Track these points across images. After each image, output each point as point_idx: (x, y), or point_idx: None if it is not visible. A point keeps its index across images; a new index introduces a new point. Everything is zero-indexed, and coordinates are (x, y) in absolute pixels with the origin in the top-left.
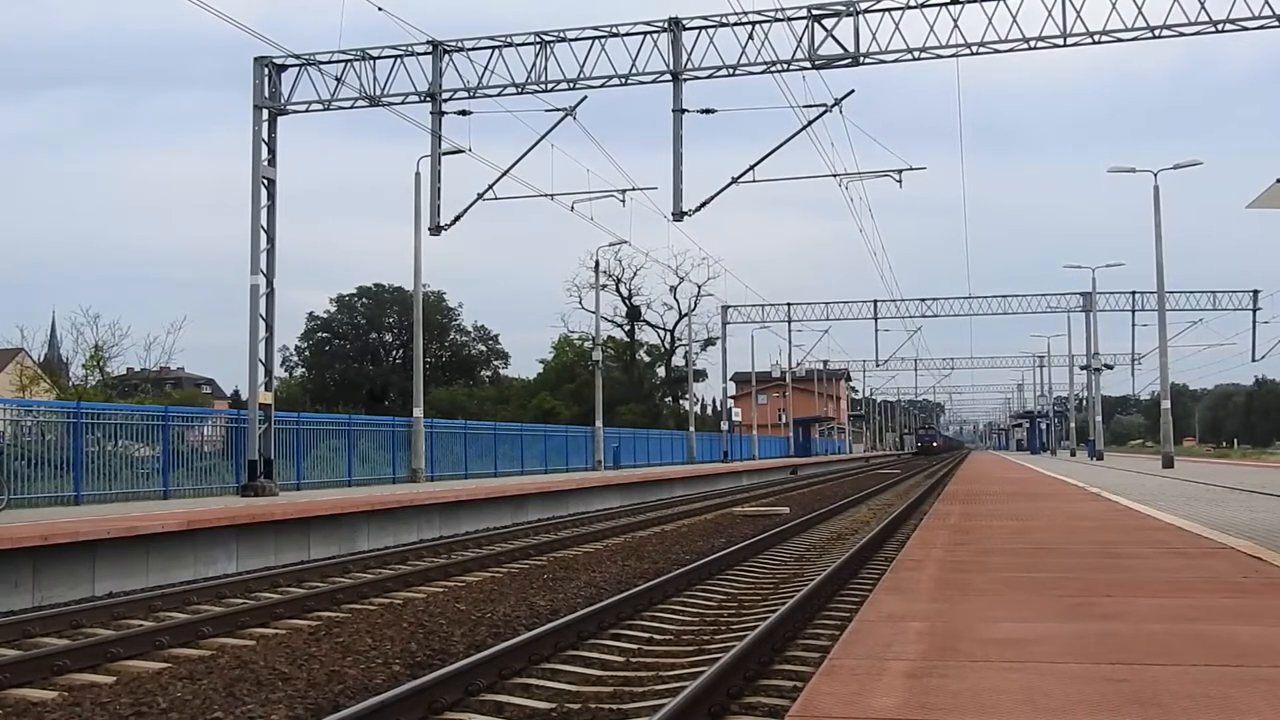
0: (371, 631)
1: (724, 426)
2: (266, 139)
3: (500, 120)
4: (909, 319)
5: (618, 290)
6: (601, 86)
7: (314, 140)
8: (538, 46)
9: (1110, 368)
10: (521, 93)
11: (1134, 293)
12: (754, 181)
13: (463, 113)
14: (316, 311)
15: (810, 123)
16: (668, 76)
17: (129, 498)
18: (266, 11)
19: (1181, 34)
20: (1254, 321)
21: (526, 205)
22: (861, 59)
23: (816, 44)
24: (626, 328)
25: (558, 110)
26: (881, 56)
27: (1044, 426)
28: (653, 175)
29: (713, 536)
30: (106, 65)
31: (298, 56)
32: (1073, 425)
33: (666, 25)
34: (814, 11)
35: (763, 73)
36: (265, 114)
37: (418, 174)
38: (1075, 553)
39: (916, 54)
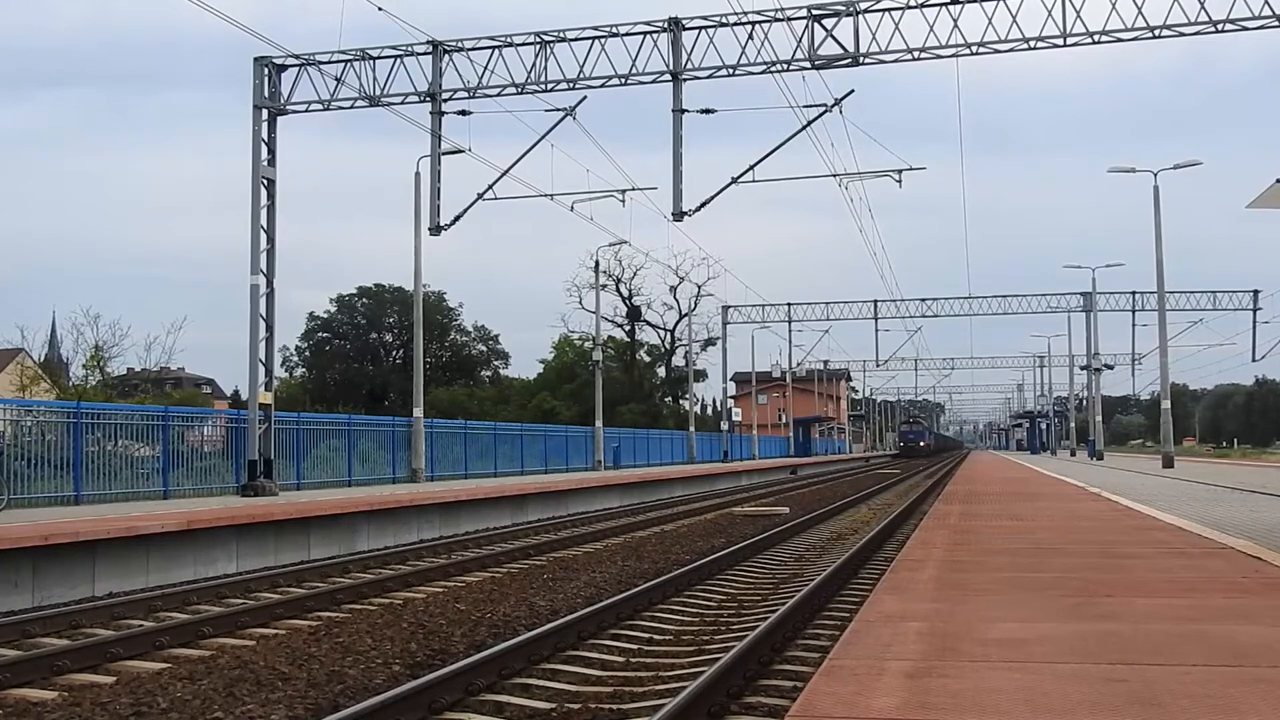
0: (371, 631)
1: (724, 426)
2: (266, 139)
3: (500, 120)
4: (909, 319)
5: (618, 290)
6: (601, 86)
7: (314, 140)
8: (538, 46)
9: (1110, 368)
10: (521, 93)
11: (1134, 293)
12: (754, 181)
13: (463, 113)
14: (316, 311)
15: (810, 123)
16: (668, 76)
17: (129, 498)
18: (266, 11)
19: (1181, 34)
20: (1254, 321)
21: (526, 205)
22: (861, 59)
23: (816, 44)
24: (626, 328)
25: (558, 110)
26: (881, 56)
27: (1044, 426)
28: (653, 175)
29: (713, 536)
30: (106, 65)
31: (297, 56)
32: (1073, 425)
33: (666, 25)
34: (814, 11)
35: (763, 73)
36: (265, 114)
37: (418, 174)
38: (1075, 553)
39: (916, 54)
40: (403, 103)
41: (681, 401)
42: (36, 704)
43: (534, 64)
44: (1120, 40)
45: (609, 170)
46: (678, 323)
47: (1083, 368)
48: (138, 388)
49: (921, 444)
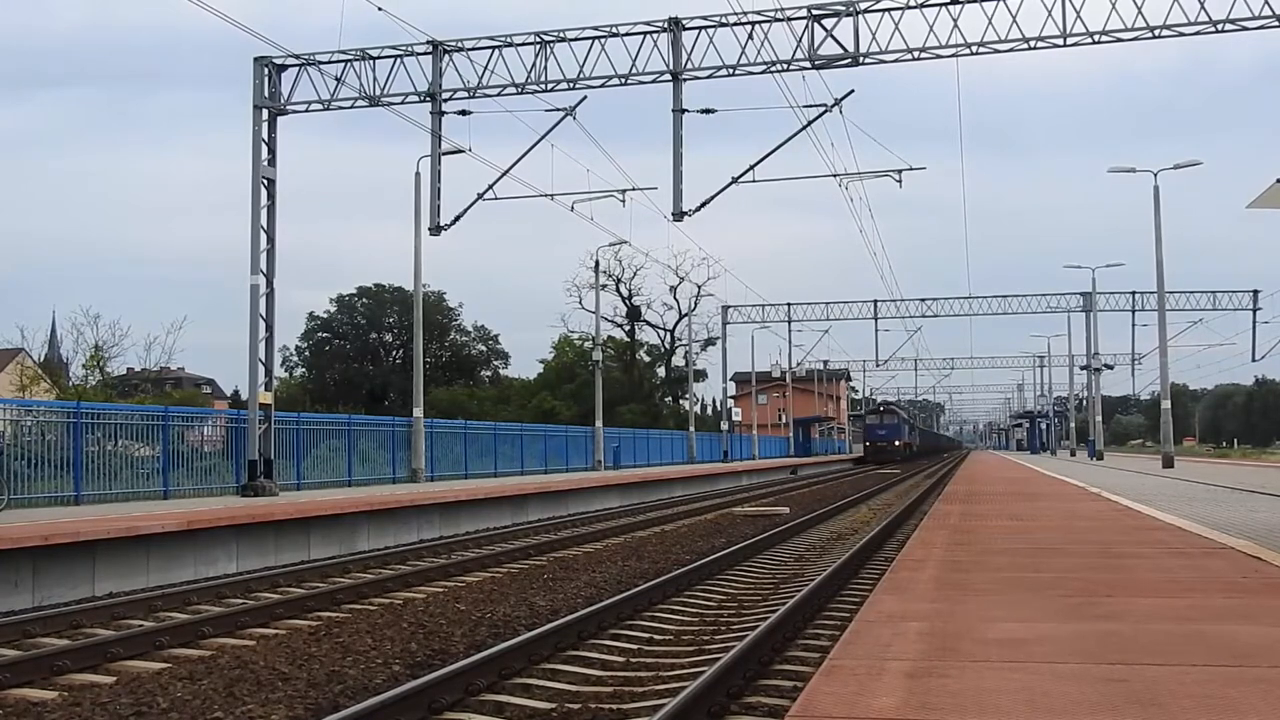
0: (371, 631)
1: (724, 426)
2: (266, 139)
3: (500, 120)
4: (909, 319)
5: (618, 290)
6: (601, 86)
7: (314, 140)
8: (538, 46)
9: (1110, 368)
10: (521, 93)
11: (1134, 293)
12: (754, 181)
13: (463, 113)
14: (316, 311)
15: (810, 123)
16: (668, 76)
17: (129, 498)
18: (266, 11)
19: (1181, 34)
20: (1254, 321)
21: (526, 205)
22: (861, 59)
23: (816, 44)
24: (626, 328)
25: (558, 110)
26: (881, 56)
27: (1044, 426)
28: (653, 175)
29: (713, 536)
30: (106, 64)
31: (297, 56)
32: (1073, 425)
33: (666, 25)
34: (814, 11)
35: (763, 73)
36: (265, 114)
37: (418, 174)
38: (1075, 553)
39: (916, 54)
40: (403, 103)
41: (681, 401)
42: (36, 704)
43: (534, 64)
44: (1120, 40)
45: (609, 170)
46: (678, 323)
47: (1083, 368)
48: (138, 388)
49: (897, 443)
